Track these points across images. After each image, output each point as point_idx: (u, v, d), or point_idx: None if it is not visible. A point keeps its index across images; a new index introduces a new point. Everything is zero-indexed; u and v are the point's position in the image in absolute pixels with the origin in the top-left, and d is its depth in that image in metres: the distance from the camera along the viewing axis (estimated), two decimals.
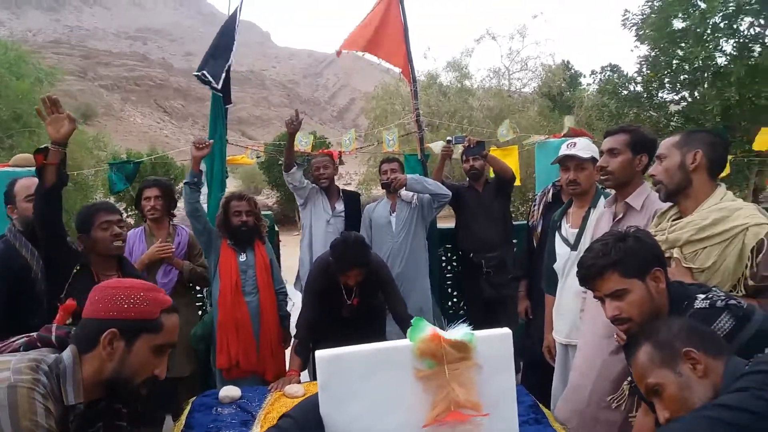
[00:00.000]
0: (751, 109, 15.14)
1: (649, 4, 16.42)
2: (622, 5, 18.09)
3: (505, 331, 1.62)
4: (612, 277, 1.81)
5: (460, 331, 1.58)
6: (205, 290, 4.35)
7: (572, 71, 28.73)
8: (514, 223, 4.91)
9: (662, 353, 1.51)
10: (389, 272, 3.58)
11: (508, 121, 6.63)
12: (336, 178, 4.83)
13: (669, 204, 2.34)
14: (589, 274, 1.86)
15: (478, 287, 4.67)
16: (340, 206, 4.64)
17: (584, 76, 27.57)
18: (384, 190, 4.63)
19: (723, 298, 1.73)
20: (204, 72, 4.18)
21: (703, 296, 1.75)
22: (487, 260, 4.61)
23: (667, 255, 2.14)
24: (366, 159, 25.51)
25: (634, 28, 16.79)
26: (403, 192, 4.46)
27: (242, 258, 3.81)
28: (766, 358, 1.41)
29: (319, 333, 3.37)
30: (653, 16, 16.05)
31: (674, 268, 2.09)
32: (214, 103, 4.29)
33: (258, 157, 5.43)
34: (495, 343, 1.61)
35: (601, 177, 2.65)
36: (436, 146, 5.82)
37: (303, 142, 4.86)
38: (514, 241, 4.82)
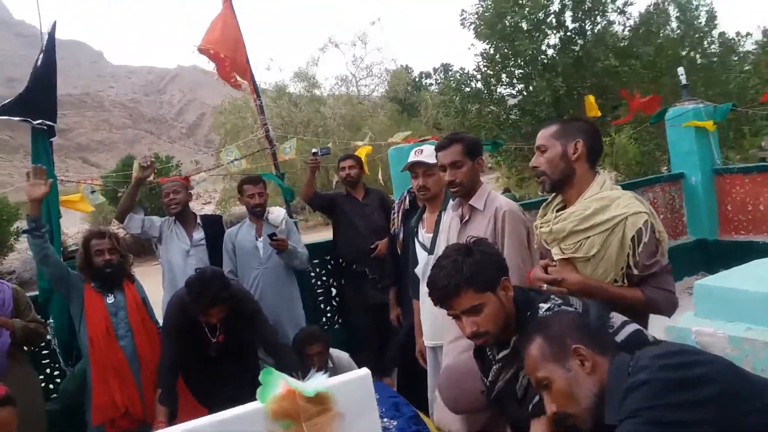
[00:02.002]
0: (578, 98, 16.59)
1: (483, 2, 17.44)
2: (456, 6, 19.10)
3: (364, 372, 1.57)
4: (467, 294, 1.82)
5: (315, 383, 1.48)
6: (53, 344, 3.91)
7: (415, 75, 29.89)
8: None
9: (553, 348, 1.55)
10: (254, 302, 3.45)
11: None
12: (193, 200, 4.53)
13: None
14: (445, 294, 1.85)
15: (362, 295, 4.66)
16: (198, 234, 4.30)
17: (426, 77, 28.78)
18: (249, 214, 4.37)
19: (559, 302, 1.82)
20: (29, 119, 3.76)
21: (546, 306, 1.82)
22: (371, 268, 4.60)
23: (548, 248, 2.22)
24: (222, 177, 24.81)
25: (472, 26, 17.73)
26: (271, 216, 4.31)
27: (110, 300, 3.52)
28: (644, 360, 1.42)
29: (187, 376, 3.18)
30: (487, 14, 17.06)
31: (558, 266, 2.15)
32: (34, 138, 3.83)
33: (94, 193, 4.93)
34: (355, 387, 1.55)
35: (452, 190, 2.74)
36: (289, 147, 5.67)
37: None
38: None
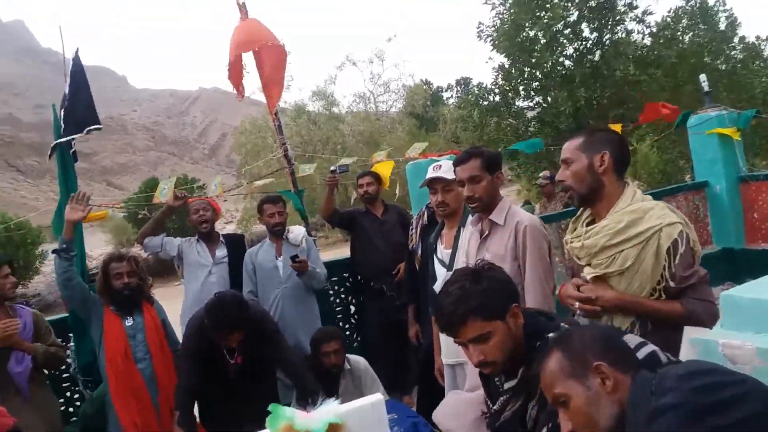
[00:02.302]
0: (597, 108, 16.47)
1: (500, 16, 17.46)
2: (473, 20, 19.13)
3: (377, 398, 1.53)
4: (475, 323, 1.75)
5: (325, 413, 1.42)
6: (73, 368, 3.94)
7: (433, 89, 29.94)
8: None
9: (573, 364, 1.46)
10: (274, 323, 3.44)
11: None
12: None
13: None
14: (452, 322, 1.79)
15: (380, 312, 4.65)
16: (221, 252, 4.34)
17: (444, 90, 28.82)
18: (269, 233, 4.39)
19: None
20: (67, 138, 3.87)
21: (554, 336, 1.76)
22: (388, 285, 4.59)
23: (579, 263, 2.17)
24: (243, 196, 25.04)
25: (489, 39, 17.74)
26: (291, 235, 4.33)
27: (129, 323, 3.54)
28: (670, 381, 1.32)
29: (204, 398, 3.17)
30: (505, 27, 17.06)
31: (592, 284, 2.11)
32: (60, 160, 3.91)
33: (114, 210, 5.01)
34: (367, 413, 1.50)
35: (471, 205, 2.71)
36: (308, 169, 5.72)
37: (164, 191, 4.50)
38: None
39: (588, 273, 2.11)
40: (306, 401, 1.58)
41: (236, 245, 4.50)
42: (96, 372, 3.68)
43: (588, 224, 2.21)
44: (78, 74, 4.07)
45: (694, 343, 2.80)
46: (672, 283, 1.99)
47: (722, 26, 19.55)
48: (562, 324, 1.83)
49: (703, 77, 7.43)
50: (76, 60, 4.10)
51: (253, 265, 4.29)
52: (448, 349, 3.09)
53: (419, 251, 3.95)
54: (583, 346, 1.49)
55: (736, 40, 20.19)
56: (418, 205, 4.94)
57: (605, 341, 1.51)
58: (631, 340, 1.70)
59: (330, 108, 27.16)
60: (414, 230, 4.08)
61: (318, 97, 27.27)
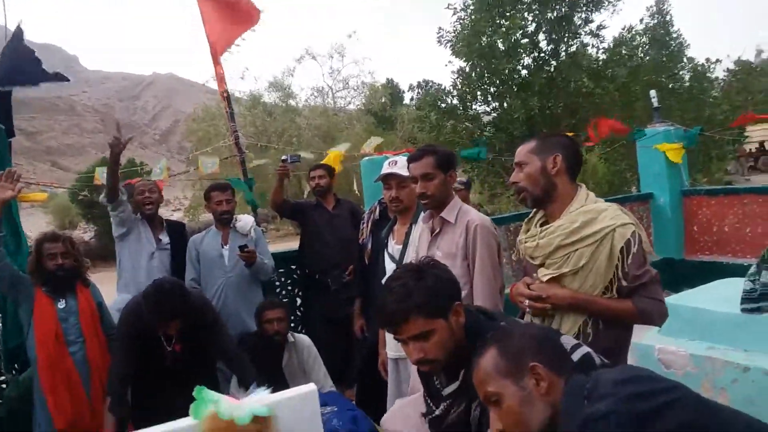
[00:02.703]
0: (550, 117, 16.81)
1: (461, 21, 17.63)
2: (435, 22, 19.28)
3: (310, 388, 1.49)
4: (417, 321, 1.72)
5: (255, 400, 1.37)
6: None
7: (394, 88, 29.97)
8: None
9: (508, 363, 1.45)
10: (214, 311, 3.36)
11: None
12: (162, 207, 4.40)
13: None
14: (393, 319, 1.76)
15: (324, 307, 4.59)
16: (165, 238, 4.19)
17: (404, 92, 28.91)
18: (215, 221, 4.28)
19: None
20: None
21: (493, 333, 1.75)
22: (333, 279, 4.54)
23: (533, 263, 2.20)
24: (192, 183, 24.56)
25: (449, 44, 17.89)
26: (239, 224, 4.24)
27: (61, 305, 3.39)
28: (604, 387, 1.31)
29: (140, 386, 3.07)
30: (464, 32, 17.23)
31: (541, 283, 2.13)
32: None
33: (53, 188, 4.79)
34: (299, 404, 1.46)
35: (423, 202, 2.73)
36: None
37: (103, 173, 4.22)
38: None
39: (543, 275, 2.15)
40: (245, 388, 1.54)
41: (178, 233, 4.36)
42: (24, 354, 3.53)
43: (541, 225, 2.25)
44: (17, 42, 3.87)
45: (633, 347, 2.88)
46: (625, 282, 2.04)
47: (673, 47, 20.23)
48: (502, 324, 1.82)
49: (653, 93, 7.66)
50: (17, 34, 3.91)
51: (197, 252, 4.17)
52: (393, 343, 3.08)
53: (369, 246, 3.94)
54: (521, 345, 1.48)
55: (685, 60, 20.91)
56: (371, 200, 4.92)
57: (543, 341, 1.51)
58: (567, 341, 1.72)
59: (287, 100, 26.89)
60: (365, 225, 4.06)
61: (275, 88, 26.98)
